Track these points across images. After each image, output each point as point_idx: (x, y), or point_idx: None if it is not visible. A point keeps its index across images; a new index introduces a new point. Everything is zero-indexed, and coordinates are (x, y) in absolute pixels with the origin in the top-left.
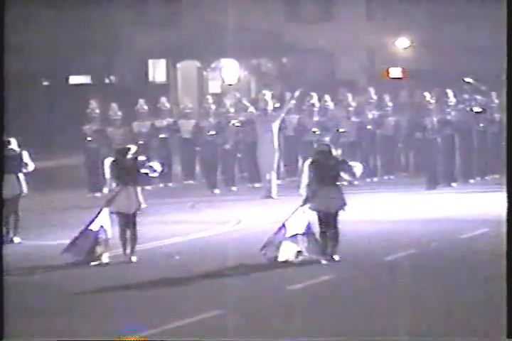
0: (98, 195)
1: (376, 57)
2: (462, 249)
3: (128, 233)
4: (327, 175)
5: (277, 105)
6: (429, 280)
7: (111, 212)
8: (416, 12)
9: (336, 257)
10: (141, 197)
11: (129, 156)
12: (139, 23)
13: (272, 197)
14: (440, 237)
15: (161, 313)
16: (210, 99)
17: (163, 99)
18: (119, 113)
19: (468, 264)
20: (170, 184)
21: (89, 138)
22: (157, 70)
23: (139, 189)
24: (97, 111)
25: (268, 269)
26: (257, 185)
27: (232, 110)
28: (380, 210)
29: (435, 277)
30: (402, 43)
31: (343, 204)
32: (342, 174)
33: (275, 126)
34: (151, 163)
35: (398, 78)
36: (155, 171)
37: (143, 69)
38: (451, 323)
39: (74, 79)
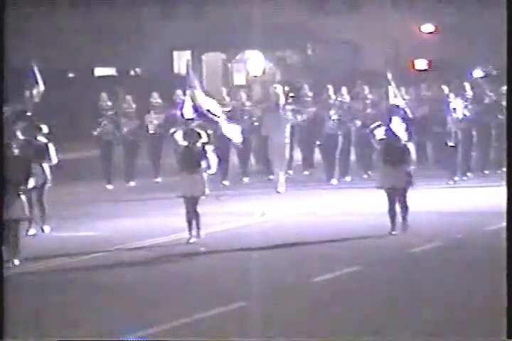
0: (109, 187)
1: (401, 47)
2: (483, 243)
3: (193, 216)
4: (396, 155)
5: (292, 94)
6: (440, 276)
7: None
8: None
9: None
10: (206, 183)
11: (199, 143)
12: (164, 16)
13: (278, 192)
14: (464, 230)
15: (184, 305)
16: (224, 92)
17: (179, 92)
18: (134, 105)
19: (484, 260)
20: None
21: (100, 127)
22: (182, 62)
23: (204, 174)
24: (109, 103)
25: (291, 260)
26: (271, 177)
27: (247, 103)
28: None
29: (445, 274)
30: (427, 30)
31: (410, 182)
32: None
33: (287, 119)
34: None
35: (424, 70)
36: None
37: (168, 61)
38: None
39: (99, 71)
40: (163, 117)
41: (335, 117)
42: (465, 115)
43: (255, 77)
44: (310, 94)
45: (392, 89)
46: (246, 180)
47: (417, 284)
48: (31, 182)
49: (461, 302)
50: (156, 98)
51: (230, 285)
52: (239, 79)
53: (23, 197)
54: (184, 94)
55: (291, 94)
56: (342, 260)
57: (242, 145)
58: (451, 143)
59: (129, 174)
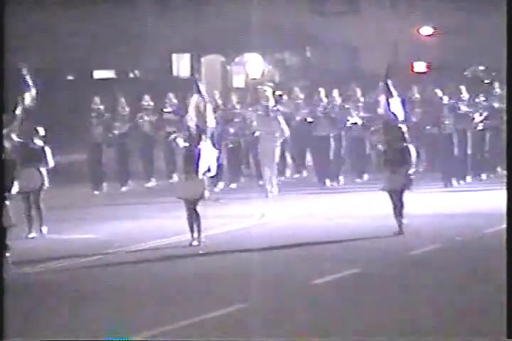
0: (97, 193)
1: (400, 50)
2: (483, 245)
3: (193, 218)
4: (396, 157)
5: (280, 93)
6: (440, 278)
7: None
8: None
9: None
10: (206, 185)
11: (200, 145)
12: (163, 18)
13: (266, 197)
14: (464, 232)
15: (184, 307)
16: (217, 95)
17: (171, 95)
18: (127, 108)
19: (484, 262)
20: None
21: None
22: (181, 64)
23: (204, 177)
24: (101, 106)
25: (291, 262)
26: (261, 182)
27: (238, 106)
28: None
29: (445, 275)
30: (426, 33)
31: (407, 184)
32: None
33: (277, 122)
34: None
35: (422, 73)
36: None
37: (167, 63)
38: (459, 322)
39: (98, 74)
40: (155, 120)
41: (325, 119)
42: (460, 117)
43: (254, 79)
44: (301, 96)
45: (393, 99)
46: (239, 185)
47: (417, 286)
48: (15, 188)
49: (461, 302)
50: (147, 101)
51: (229, 287)
52: (238, 81)
53: (7, 203)
54: (182, 99)
55: (278, 93)
56: (342, 262)
57: (235, 149)
58: (448, 124)
59: (122, 177)
